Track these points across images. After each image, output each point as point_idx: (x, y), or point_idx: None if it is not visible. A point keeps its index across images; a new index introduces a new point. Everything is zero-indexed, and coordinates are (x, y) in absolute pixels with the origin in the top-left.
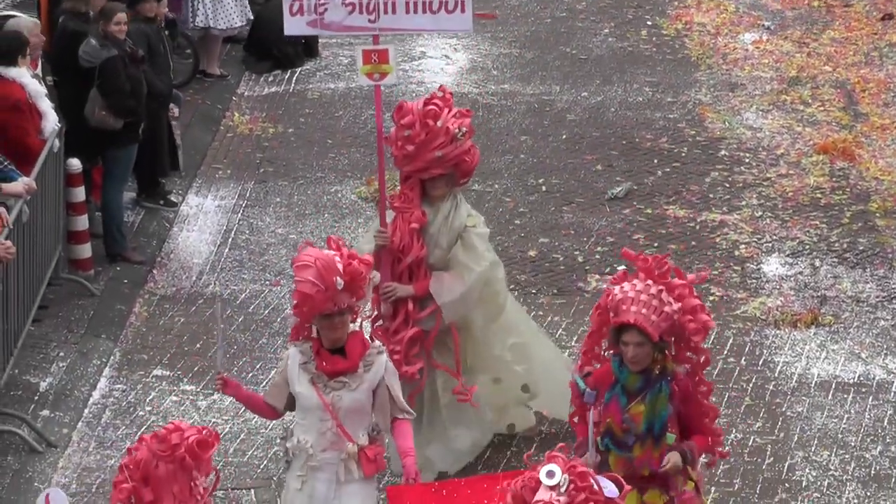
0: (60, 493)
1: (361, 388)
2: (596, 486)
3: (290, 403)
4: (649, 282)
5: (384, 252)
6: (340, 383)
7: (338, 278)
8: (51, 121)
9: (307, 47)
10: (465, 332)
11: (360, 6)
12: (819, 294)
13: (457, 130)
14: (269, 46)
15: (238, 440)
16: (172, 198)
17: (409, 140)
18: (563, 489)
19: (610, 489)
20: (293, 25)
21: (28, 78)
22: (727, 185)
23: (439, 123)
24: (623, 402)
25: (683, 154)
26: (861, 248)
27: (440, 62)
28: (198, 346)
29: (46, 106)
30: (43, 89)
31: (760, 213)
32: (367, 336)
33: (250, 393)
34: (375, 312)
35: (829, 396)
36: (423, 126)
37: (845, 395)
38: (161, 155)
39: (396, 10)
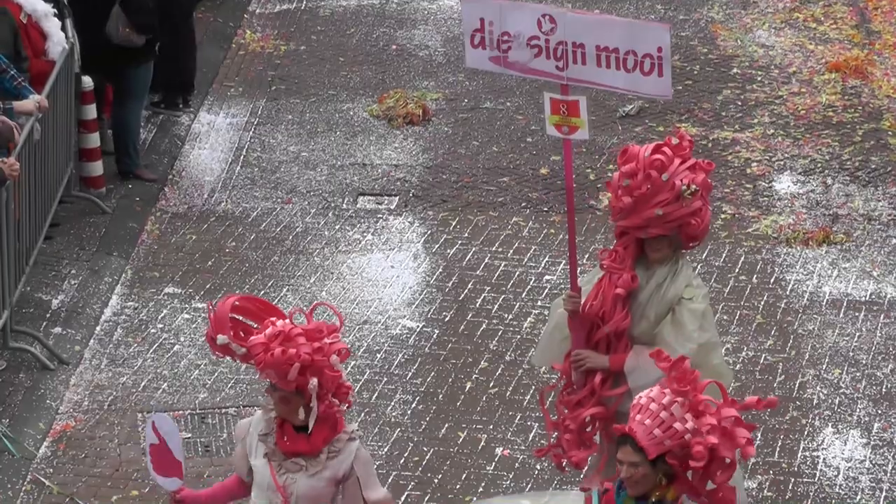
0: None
1: (321, 476)
2: None
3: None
4: (667, 390)
5: (579, 315)
6: (297, 465)
7: (221, 336)
8: (56, 41)
9: None
10: None
11: (546, 50)
12: (831, 212)
13: (684, 187)
14: None
15: None
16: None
17: (628, 191)
18: None
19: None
20: (475, 58)
21: None
22: (739, 103)
23: (665, 177)
24: None
25: (695, 72)
26: (873, 166)
27: None
28: (209, 263)
29: (52, 26)
30: (49, 9)
31: (772, 131)
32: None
33: (210, 490)
34: (566, 379)
35: (841, 314)
36: (645, 177)
37: (857, 314)
38: (191, 63)
39: (587, 61)
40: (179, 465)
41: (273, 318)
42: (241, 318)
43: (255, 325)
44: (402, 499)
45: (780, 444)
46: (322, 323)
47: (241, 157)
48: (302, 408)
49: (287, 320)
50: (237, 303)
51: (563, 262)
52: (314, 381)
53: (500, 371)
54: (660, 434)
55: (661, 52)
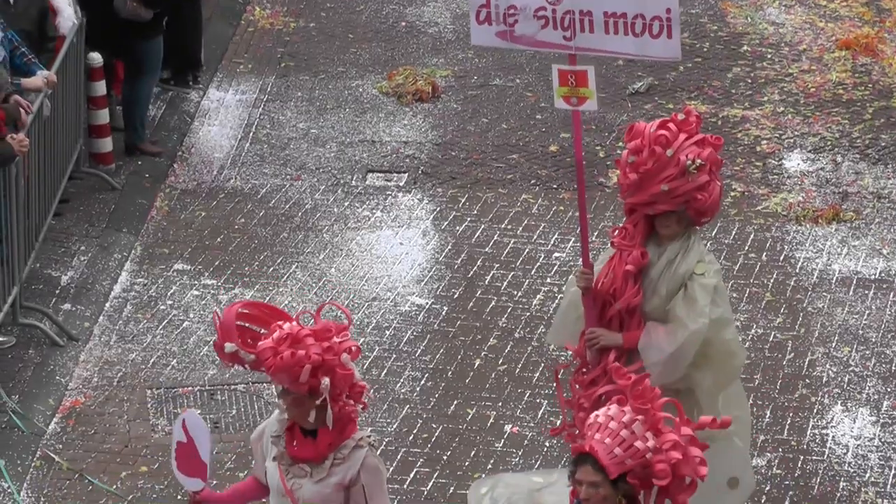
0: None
1: (327, 483)
2: None
3: None
4: (626, 408)
5: (592, 293)
6: (303, 471)
7: (229, 344)
8: (66, 17)
9: None
10: (686, 396)
11: (553, 21)
12: (840, 190)
13: (689, 162)
14: None
15: None
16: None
17: (634, 167)
18: None
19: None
20: (480, 35)
21: None
22: (749, 81)
23: (669, 153)
24: None
25: (705, 49)
26: (883, 143)
27: None
28: (218, 240)
29: (61, 2)
30: None
31: (782, 109)
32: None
33: (229, 491)
34: (579, 360)
35: (850, 292)
36: (650, 154)
37: (866, 291)
38: (198, 40)
39: (594, 28)
40: (205, 466)
41: (280, 322)
42: (248, 325)
43: (263, 331)
44: (411, 475)
45: (789, 421)
46: (330, 322)
47: (251, 133)
48: (314, 410)
49: (294, 322)
50: (243, 310)
51: (573, 239)
52: (326, 381)
53: (509, 348)
54: (621, 453)
55: (670, 14)
